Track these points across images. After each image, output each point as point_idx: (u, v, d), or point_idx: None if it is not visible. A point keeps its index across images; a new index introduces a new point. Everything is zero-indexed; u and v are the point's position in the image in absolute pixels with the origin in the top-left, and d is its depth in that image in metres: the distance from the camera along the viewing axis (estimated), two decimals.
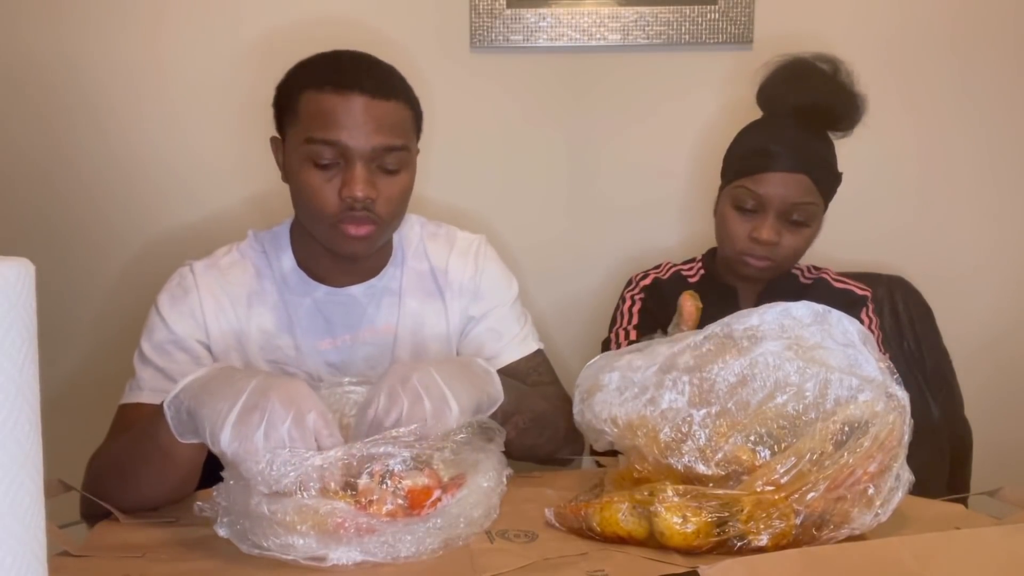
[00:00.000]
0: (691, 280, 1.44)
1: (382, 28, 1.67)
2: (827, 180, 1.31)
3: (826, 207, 1.33)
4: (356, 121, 1.07)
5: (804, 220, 1.28)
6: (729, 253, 1.35)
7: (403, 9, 1.69)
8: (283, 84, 1.16)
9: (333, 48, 1.17)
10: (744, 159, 1.32)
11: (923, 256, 1.76)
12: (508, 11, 1.68)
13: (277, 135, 1.18)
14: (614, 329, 1.44)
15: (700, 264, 1.46)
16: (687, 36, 1.69)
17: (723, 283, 1.40)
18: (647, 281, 1.45)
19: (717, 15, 1.68)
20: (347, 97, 1.07)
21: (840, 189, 1.76)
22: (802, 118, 1.29)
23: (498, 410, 1.00)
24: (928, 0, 1.72)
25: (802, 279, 1.41)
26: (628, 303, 1.44)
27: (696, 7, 1.68)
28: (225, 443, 0.81)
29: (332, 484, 0.81)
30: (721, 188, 1.37)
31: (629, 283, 1.47)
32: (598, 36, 1.69)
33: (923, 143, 1.76)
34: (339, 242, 1.12)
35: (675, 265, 1.47)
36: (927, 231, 1.78)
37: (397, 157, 1.11)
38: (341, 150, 1.08)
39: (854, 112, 1.30)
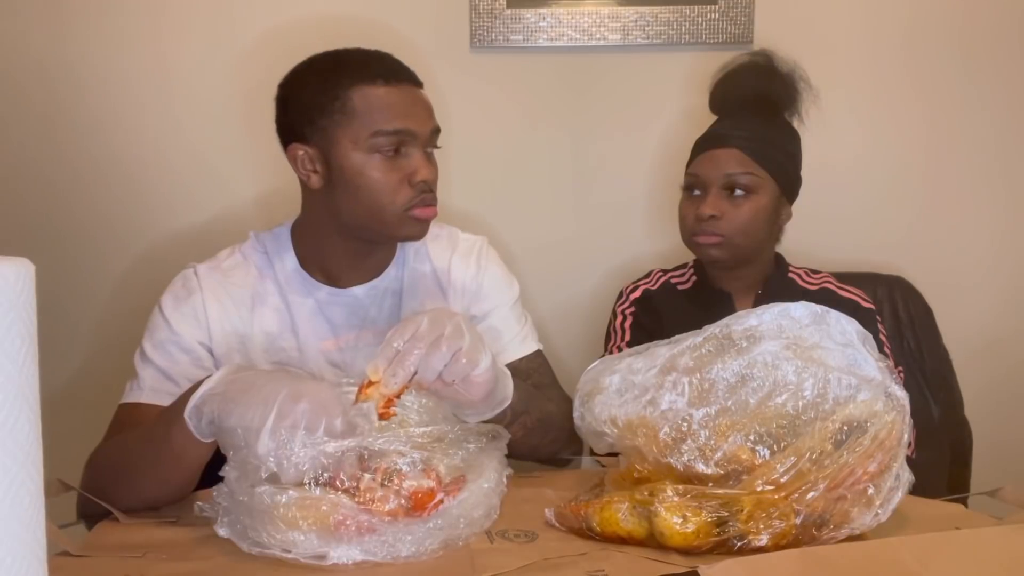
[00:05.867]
0: (682, 287, 1.44)
1: (382, 28, 1.67)
2: (763, 151, 1.33)
3: (779, 182, 1.35)
4: (416, 109, 1.14)
5: (744, 189, 1.33)
6: (684, 238, 1.39)
7: (403, 9, 1.69)
8: (313, 86, 1.13)
9: (335, 48, 1.18)
10: (693, 149, 1.40)
11: (923, 257, 1.76)
12: (508, 11, 1.68)
13: (298, 145, 1.14)
14: (608, 347, 1.43)
15: (692, 271, 1.45)
16: (687, 36, 1.69)
17: (717, 288, 1.39)
18: (637, 294, 1.44)
19: (717, 15, 1.69)
20: (400, 87, 1.14)
21: (841, 191, 1.75)
22: (750, 110, 1.35)
23: (508, 408, 1.01)
24: (929, 1, 1.72)
25: (801, 283, 1.40)
26: (620, 319, 1.44)
27: (696, 7, 1.68)
28: (263, 452, 0.81)
29: (341, 475, 0.82)
30: None
31: (620, 296, 1.46)
32: (598, 36, 1.69)
33: (924, 144, 1.76)
34: (407, 226, 1.15)
35: (665, 272, 1.46)
36: (927, 232, 1.78)
37: (437, 139, 1.18)
38: (406, 138, 1.13)
39: (789, 92, 1.36)
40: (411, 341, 0.89)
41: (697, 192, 1.35)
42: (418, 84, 1.17)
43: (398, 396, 0.88)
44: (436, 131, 1.17)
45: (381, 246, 1.22)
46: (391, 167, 1.12)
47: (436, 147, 1.18)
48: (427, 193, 1.14)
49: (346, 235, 1.17)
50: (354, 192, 1.13)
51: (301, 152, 1.15)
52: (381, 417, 0.87)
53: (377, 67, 1.14)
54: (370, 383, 0.88)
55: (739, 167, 1.32)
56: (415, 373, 0.88)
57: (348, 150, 1.12)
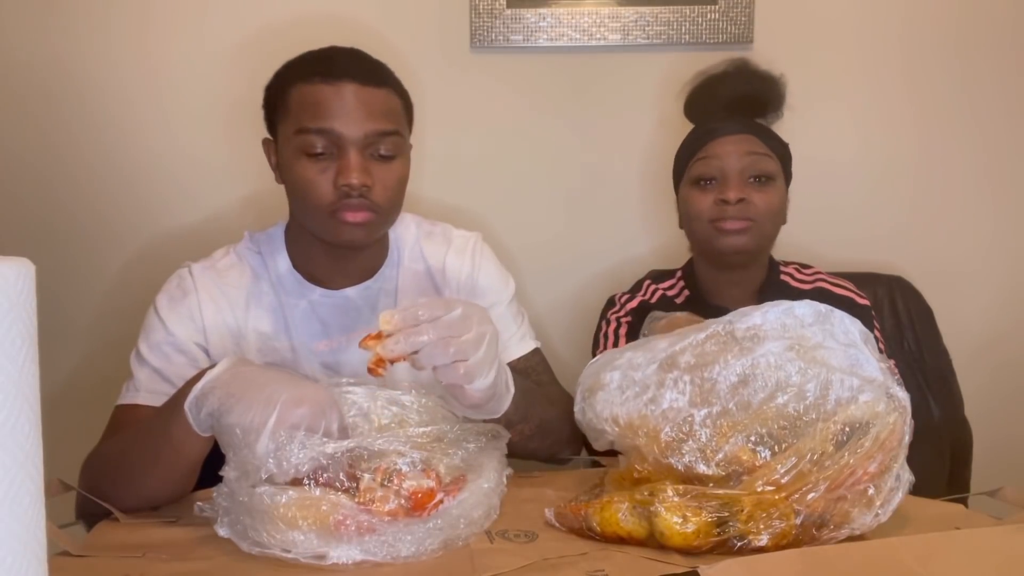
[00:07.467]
0: (677, 302, 1.38)
1: (381, 28, 1.67)
2: (774, 142, 1.31)
3: (785, 176, 1.32)
4: (347, 108, 1.08)
5: (767, 173, 1.28)
6: (700, 232, 1.30)
7: (403, 9, 1.69)
8: (272, 83, 1.17)
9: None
10: (690, 143, 1.33)
11: (923, 256, 1.76)
12: (508, 11, 1.68)
13: (269, 137, 1.19)
14: (597, 353, 1.36)
15: (682, 283, 1.40)
16: (687, 36, 1.69)
17: (713, 305, 1.34)
18: (633, 304, 1.39)
19: (717, 15, 1.68)
20: (337, 85, 1.09)
21: (841, 190, 1.75)
22: (737, 111, 1.31)
23: (502, 418, 1.01)
24: (928, 1, 1.72)
25: (793, 283, 1.35)
26: (613, 325, 1.38)
27: (696, 7, 1.68)
28: (262, 452, 0.81)
29: (340, 475, 0.82)
30: (677, 190, 1.37)
31: (612, 304, 1.41)
32: (598, 36, 1.69)
33: (923, 143, 1.76)
34: (337, 230, 1.11)
35: (657, 284, 1.41)
36: (927, 231, 1.78)
37: (391, 143, 1.11)
38: (333, 138, 1.08)
39: (774, 91, 1.32)
40: (431, 323, 0.87)
41: (712, 175, 1.28)
42: (368, 83, 1.10)
43: (392, 362, 0.88)
44: (380, 134, 1.10)
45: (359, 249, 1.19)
46: (317, 167, 1.09)
47: (383, 154, 1.11)
48: (351, 198, 1.08)
49: (316, 236, 1.16)
50: (291, 189, 1.14)
51: (268, 144, 1.19)
52: (369, 372, 0.87)
53: (322, 65, 1.11)
54: (379, 335, 0.87)
55: (760, 149, 1.27)
56: (416, 352, 0.88)
57: (284, 146, 1.13)
